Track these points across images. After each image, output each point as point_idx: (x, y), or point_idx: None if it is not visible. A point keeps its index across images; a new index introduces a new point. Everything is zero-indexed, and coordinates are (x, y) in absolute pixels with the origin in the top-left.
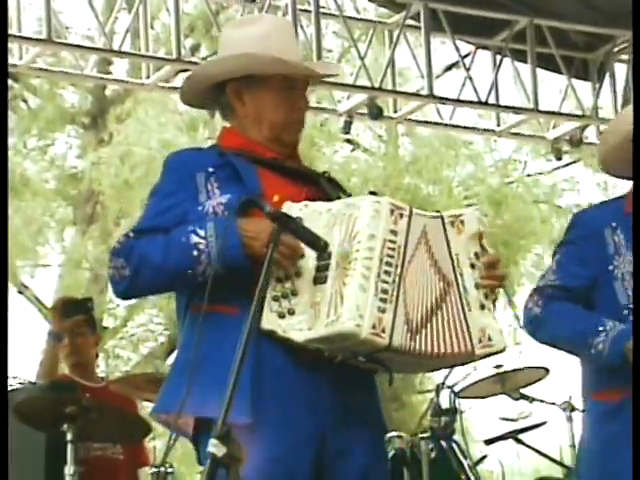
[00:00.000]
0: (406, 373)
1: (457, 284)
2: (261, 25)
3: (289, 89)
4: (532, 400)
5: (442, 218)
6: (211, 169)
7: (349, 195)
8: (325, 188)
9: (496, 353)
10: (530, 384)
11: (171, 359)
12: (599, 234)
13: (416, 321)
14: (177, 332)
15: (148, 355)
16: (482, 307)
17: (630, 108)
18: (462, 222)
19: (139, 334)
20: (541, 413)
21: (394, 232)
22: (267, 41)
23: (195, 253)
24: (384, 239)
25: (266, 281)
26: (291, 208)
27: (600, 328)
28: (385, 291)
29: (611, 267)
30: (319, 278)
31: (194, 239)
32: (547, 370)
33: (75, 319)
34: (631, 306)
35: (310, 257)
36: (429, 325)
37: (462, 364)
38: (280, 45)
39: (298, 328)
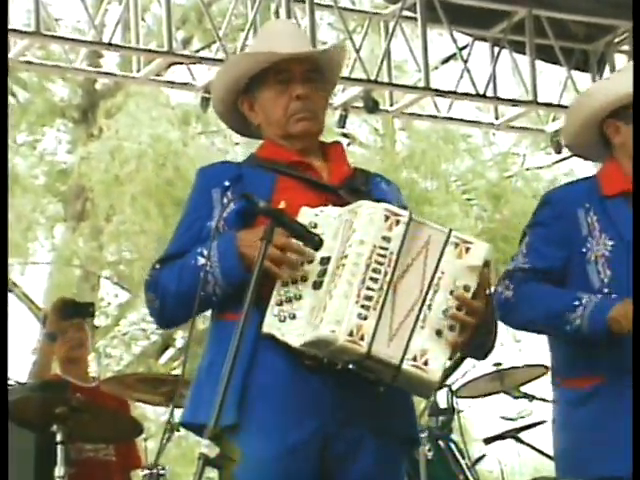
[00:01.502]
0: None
1: (424, 299)
2: (261, 34)
3: (287, 82)
4: (532, 398)
5: (448, 234)
6: (227, 183)
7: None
8: (345, 197)
9: (424, 383)
10: (530, 382)
11: (164, 358)
12: (571, 214)
13: (399, 331)
14: (170, 331)
15: (140, 354)
16: (438, 333)
17: (592, 86)
18: (467, 249)
19: (131, 333)
20: (541, 411)
21: (386, 238)
22: (262, 44)
23: (202, 275)
24: (374, 245)
25: (257, 282)
26: (306, 214)
27: (576, 303)
28: (369, 298)
29: (584, 249)
30: (317, 283)
31: (200, 261)
32: (547, 367)
33: (76, 322)
34: (605, 290)
35: (317, 261)
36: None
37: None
38: (273, 43)
39: (295, 333)
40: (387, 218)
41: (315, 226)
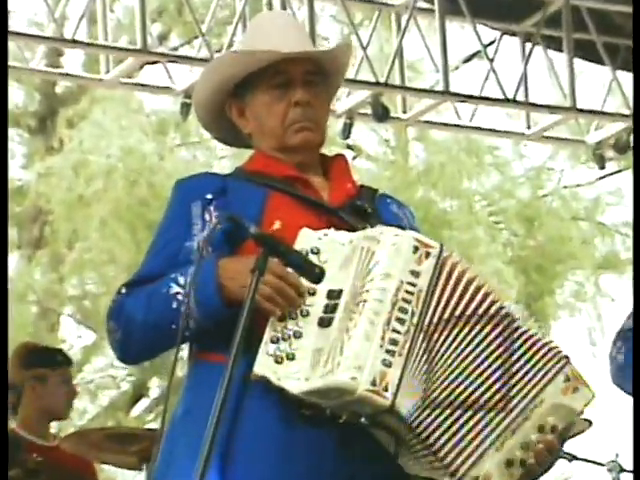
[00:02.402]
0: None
1: (511, 423)
2: (252, 28)
3: (285, 85)
4: (572, 458)
5: (565, 362)
6: (209, 196)
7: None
8: (346, 219)
9: None
10: (570, 438)
11: (137, 410)
12: None
13: (434, 392)
14: (143, 378)
15: (109, 406)
16: (509, 464)
17: None
18: (575, 389)
19: (97, 381)
20: (583, 474)
21: (415, 273)
22: (256, 40)
23: (175, 305)
24: (401, 280)
25: (249, 319)
26: (308, 237)
27: None
28: (394, 342)
29: None
30: (324, 320)
31: (174, 289)
32: (590, 422)
33: (39, 372)
34: None
35: (322, 294)
36: (448, 411)
37: None
38: (269, 39)
39: (295, 377)
40: (416, 249)
41: (318, 252)
